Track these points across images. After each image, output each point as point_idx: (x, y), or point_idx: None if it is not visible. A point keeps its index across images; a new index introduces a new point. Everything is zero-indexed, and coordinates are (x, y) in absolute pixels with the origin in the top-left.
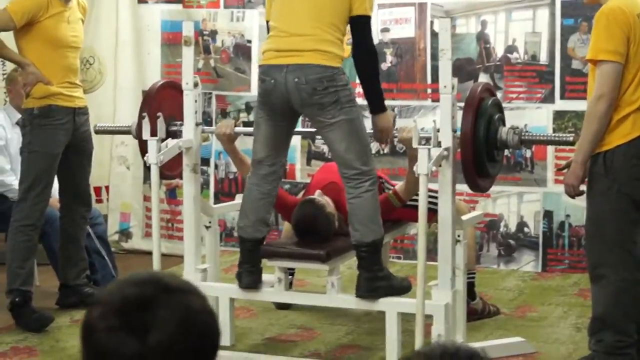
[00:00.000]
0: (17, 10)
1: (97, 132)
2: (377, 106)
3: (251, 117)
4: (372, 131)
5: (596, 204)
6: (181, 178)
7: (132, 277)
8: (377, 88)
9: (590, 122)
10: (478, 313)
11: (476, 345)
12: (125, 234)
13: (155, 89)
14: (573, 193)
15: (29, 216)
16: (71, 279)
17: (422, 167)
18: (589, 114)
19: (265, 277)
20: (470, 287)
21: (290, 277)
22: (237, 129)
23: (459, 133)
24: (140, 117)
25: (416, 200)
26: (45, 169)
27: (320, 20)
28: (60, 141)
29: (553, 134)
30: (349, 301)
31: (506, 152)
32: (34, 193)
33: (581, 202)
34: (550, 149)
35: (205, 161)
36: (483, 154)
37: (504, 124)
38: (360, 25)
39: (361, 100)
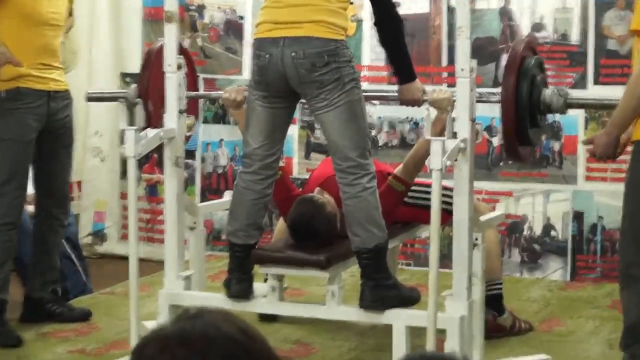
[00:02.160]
0: None
1: (90, 99)
2: (406, 75)
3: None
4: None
5: (635, 196)
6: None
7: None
8: (405, 54)
9: (630, 98)
10: (507, 330)
11: None
12: (99, 236)
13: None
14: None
15: (8, 213)
16: (36, 289)
17: (435, 161)
18: (629, 89)
19: (256, 285)
20: (498, 300)
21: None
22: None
23: (477, 122)
24: (143, 77)
25: (427, 200)
26: (20, 159)
27: None
28: (31, 126)
29: (607, 98)
30: (352, 313)
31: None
32: (11, 186)
33: (616, 201)
34: (581, 140)
35: (190, 153)
36: (526, 118)
37: (546, 86)
38: None
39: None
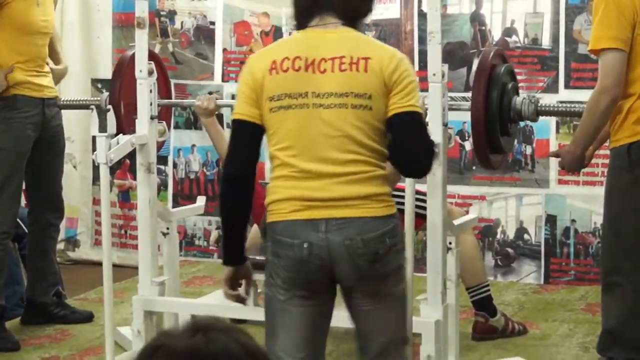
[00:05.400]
0: None
1: (61, 107)
2: None
3: None
4: None
5: (615, 202)
6: None
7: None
8: None
9: (591, 118)
10: (498, 332)
11: None
12: (71, 242)
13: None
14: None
15: (3, 222)
16: (38, 294)
17: None
18: (589, 108)
19: None
20: (488, 302)
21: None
22: (219, 102)
23: (450, 127)
24: (115, 84)
25: (401, 204)
26: (14, 170)
27: (359, 144)
28: (29, 136)
29: (575, 104)
30: None
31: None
32: (5, 196)
33: (588, 205)
34: (553, 144)
35: (162, 159)
36: (496, 127)
37: (517, 94)
38: (413, 123)
39: None
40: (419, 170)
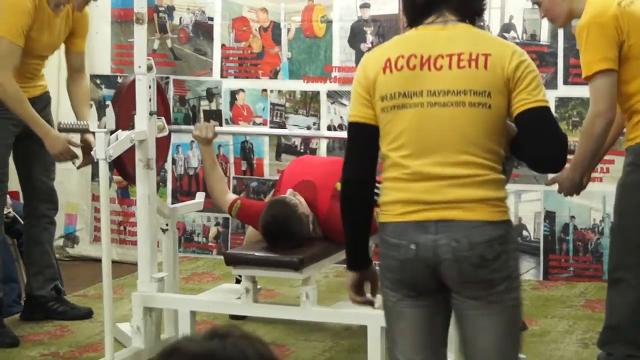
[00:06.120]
0: (11, 30)
1: (61, 130)
2: None
3: (213, 106)
4: None
5: (626, 198)
6: None
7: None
8: None
9: (587, 142)
10: None
11: None
12: (71, 238)
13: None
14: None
15: None
16: (35, 288)
17: None
18: (585, 132)
19: (229, 286)
20: None
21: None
22: (218, 129)
23: None
24: (114, 110)
25: None
26: None
27: (476, 144)
28: (10, 130)
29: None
30: (326, 314)
31: None
32: None
33: (587, 201)
34: None
35: None
36: None
37: None
38: (545, 118)
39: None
40: (557, 166)
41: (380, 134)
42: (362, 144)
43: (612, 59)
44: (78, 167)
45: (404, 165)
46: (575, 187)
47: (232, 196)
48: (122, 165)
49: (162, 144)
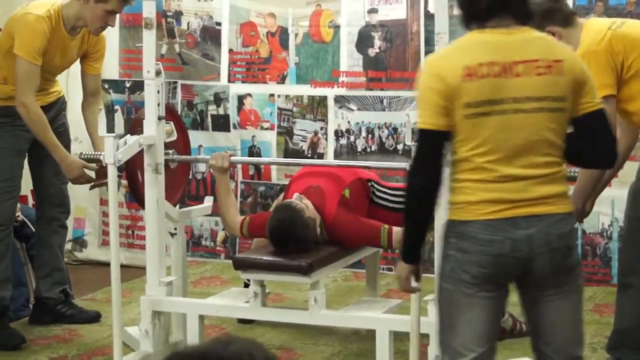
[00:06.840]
0: (28, 50)
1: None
2: None
3: (220, 110)
4: None
5: (637, 204)
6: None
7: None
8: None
9: (589, 170)
10: (506, 332)
11: None
12: (79, 242)
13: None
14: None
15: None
16: (44, 290)
17: None
18: None
19: (238, 290)
20: None
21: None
22: (233, 159)
23: None
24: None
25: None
26: (10, 165)
27: (554, 145)
28: (22, 137)
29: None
30: (335, 318)
31: None
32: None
33: (597, 206)
34: None
35: None
36: None
37: None
38: (606, 118)
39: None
40: (613, 162)
41: (458, 138)
42: (432, 152)
43: (610, 84)
44: (91, 188)
45: (490, 169)
46: (578, 215)
47: (240, 218)
48: (138, 192)
49: (180, 176)
